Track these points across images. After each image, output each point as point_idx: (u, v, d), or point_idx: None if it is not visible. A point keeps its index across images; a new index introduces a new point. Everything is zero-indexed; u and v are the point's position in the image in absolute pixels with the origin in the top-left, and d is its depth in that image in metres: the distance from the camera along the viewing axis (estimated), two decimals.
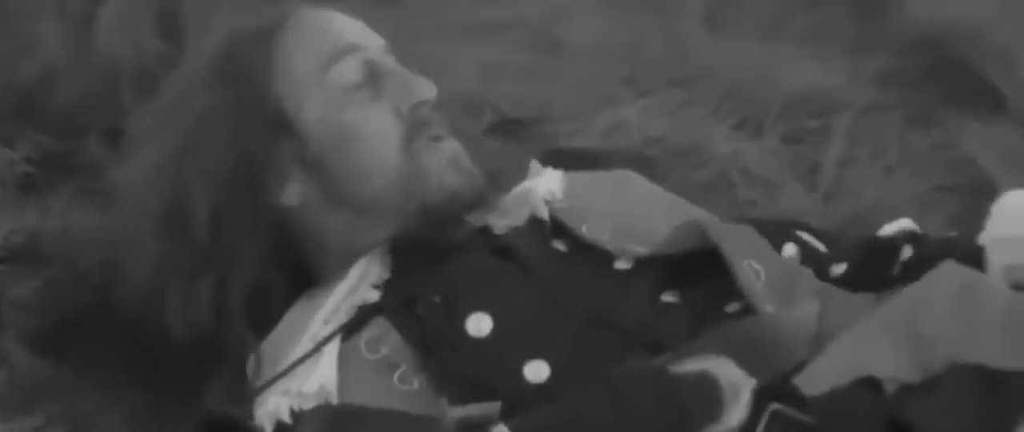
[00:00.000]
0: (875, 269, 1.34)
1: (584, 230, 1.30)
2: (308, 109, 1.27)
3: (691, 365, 1.12)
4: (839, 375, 1.10)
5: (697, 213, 1.37)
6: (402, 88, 1.29)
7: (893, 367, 1.10)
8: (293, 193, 1.28)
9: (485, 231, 1.29)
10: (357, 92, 1.28)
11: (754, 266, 1.23)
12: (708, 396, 1.10)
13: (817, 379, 1.09)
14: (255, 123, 1.26)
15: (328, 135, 1.27)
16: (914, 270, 1.28)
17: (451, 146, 1.30)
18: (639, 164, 1.62)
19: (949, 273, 1.19)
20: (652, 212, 1.34)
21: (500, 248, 1.28)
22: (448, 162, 1.28)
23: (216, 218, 1.25)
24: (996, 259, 1.30)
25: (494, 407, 1.11)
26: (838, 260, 1.37)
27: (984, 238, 1.34)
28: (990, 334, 1.14)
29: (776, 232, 1.37)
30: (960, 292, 1.16)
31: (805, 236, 1.40)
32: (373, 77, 1.29)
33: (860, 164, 1.98)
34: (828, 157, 1.98)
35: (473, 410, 1.10)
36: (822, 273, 1.34)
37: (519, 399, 1.15)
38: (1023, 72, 2.24)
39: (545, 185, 1.36)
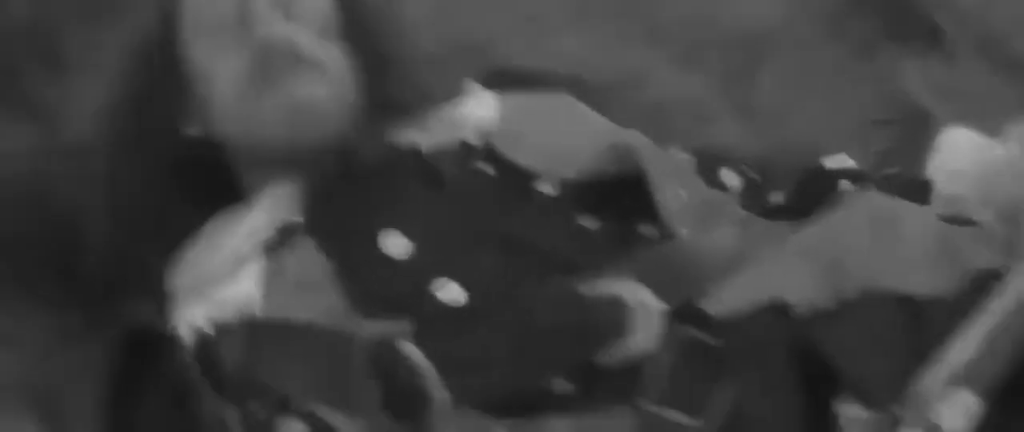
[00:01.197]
0: (813, 199, 1.35)
1: (514, 154, 1.31)
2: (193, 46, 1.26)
3: (602, 287, 1.13)
4: (748, 298, 1.12)
5: (632, 138, 1.37)
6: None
7: (805, 291, 1.12)
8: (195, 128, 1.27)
9: (411, 150, 1.29)
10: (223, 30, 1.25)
11: (677, 191, 1.24)
12: (616, 317, 1.12)
13: (726, 301, 1.11)
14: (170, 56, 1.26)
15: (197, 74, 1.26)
16: None
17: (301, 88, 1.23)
18: (578, 90, 1.63)
19: (870, 200, 1.21)
20: (586, 137, 1.34)
21: (424, 169, 1.28)
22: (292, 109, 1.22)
23: (139, 140, 1.25)
24: (942, 191, 1.33)
25: (403, 326, 1.12)
26: (777, 188, 1.39)
27: (931, 171, 1.36)
28: (910, 262, 1.16)
29: (712, 160, 1.39)
30: (880, 218, 1.18)
31: (743, 166, 1.42)
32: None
33: (795, 97, 2.00)
34: (763, 90, 2.00)
35: (383, 327, 1.12)
36: (760, 200, 1.37)
37: (434, 321, 1.16)
38: (961, 7, 2.25)
39: (479, 109, 1.36)
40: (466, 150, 1.32)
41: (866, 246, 1.16)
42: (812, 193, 1.35)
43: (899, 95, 2.09)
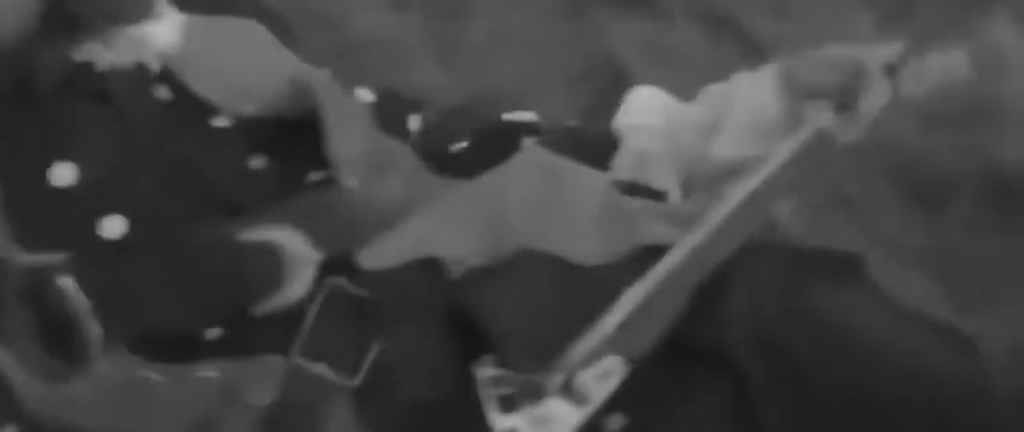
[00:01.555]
0: (494, 151, 1.33)
1: (193, 83, 1.23)
2: None
3: (258, 234, 1.10)
4: (403, 253, 1.10)
5: (314, 77, 1.31)
6: None
7: (460, 248, 1.10)
8: None
9: (86, 67, 1.21)
10: None
11: (351, 138, 1.21)
12: (270, 266, 1.08)
13: (380, 255, 1.09)
14: None
15: None
16: None
17: None
18: (273, 22, 1.58)
19: (538, 160, 1.20)
20: (270, 72, 1.28)
21: (98, 90, 1.20)
22: None
23: None
24: (628, 146, 1.32)
25: (57, 258, 1.06)
26: (459, 138, 1.36)
27: (617, 125, 1.35)
28: (574, 227, 1.15)
29: (401, 103, 1.35)
30: (547, 180, 1.17)
31: (427, 112, 1.39)
32: None
33: (501, 48, 1.99)
34: (468, 37, 1.99)
35: (38, 259, 1.06)
36: (441, 149, 1.34)
37: (95, 253, 1.11)
38: None
39: (164, 31, 1.28)
40: (143, 73, 1.24)
41: (529, 207, 1.15)
42: (491, 146, 1.33)
43: (605, 53, 2.10)
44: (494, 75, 1.94)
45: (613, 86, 1.91)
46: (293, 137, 1.22)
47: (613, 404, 1.07)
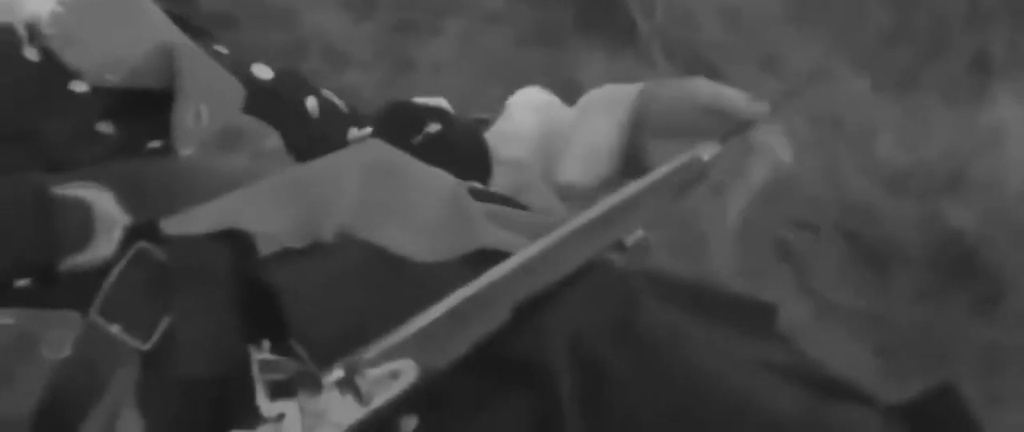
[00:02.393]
0: (396, 134, 1.31)
1: (60, 49, 1.24)
2: None
3: (71, 190, 1.09)
4: (210, 222, 1.08)
5: (186, 48, 1.29)
6: None
7: (275, 226, 1.08)
8: None
9: None
10: None
11: (199, 109, 1.19)
12: (79, 223, 1.08)
13: (185, 221, 1.07)
14: None
15: None
16: (436, 145, 1.27)
17: None
18: (220, 21, 1.58)
19: (373, 148, 1.18)
20: (139, 41, 1.25)
21: None
22: None
23: None
24: (500, 154, 1.31)
25: None
26: (362, 125, 1.35)
27: (490, 134, 1.35)
28: (404, 219, 1.13)
29: (299, 86, 1.34)
30: (377, 168, 1.15)
31: (328, 94, 1.38)
32: None
33: (456, 68, 1.98)
34: (427, 54, 1.98)
35: None
36: (341, 133, 1.32)
37: None
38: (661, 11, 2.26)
39: (35, 5, 1.29)
40: (9, 34, 1.23)
41: (360, 198, 1.13)
42: (396, 128, 1.31)
43: (571, 85, 2.08)
44: (444, 93, 1.92)
45: None
46: (148, 106, 1.21)
47: (407, 406, 1.04)
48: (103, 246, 1.07)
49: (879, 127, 2.12)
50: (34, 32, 1.24)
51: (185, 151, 1.16)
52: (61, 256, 1.07)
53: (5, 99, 1.19)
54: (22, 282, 1.09)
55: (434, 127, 1.35)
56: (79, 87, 1.22)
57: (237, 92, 1.27)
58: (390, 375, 1.02)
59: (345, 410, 1.01)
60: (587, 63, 2.12)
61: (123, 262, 1.07)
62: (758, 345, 1.18)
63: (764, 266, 1.84)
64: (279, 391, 1.00)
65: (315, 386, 1.01)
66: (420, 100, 1.42)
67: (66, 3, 1.28)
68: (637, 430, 1.07)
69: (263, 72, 1.34)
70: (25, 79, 1.21)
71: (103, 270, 1.08)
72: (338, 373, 1.01)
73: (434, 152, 1.26)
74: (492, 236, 1.16)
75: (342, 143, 1.32)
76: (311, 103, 1.35)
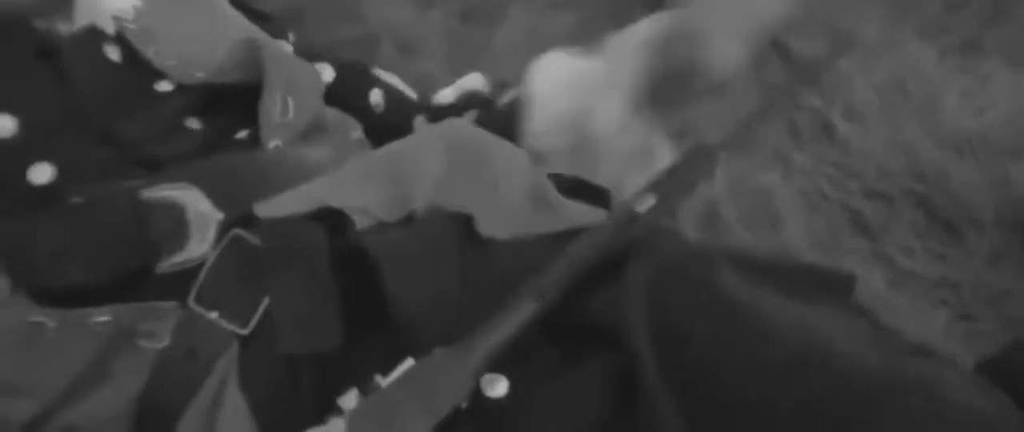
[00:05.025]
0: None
1: (144, 48, 1.26)
2: None
3: (162, 192, 1.11)
4: (303, 204, 1.10)
5: (268, 42, 1.32)
6: None
7: (363, 201, 1.10)
8: None
9: (24, 24, 1.24)
10: None
11: (288, 100, 1.21)
12: (174, 226, 1.09)
13: (278, 206, 1.09)
14: None
15: None
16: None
17: None
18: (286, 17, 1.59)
19: (455, 127, 1.19)
20: (221, 38, 1.29)
21: (44, 46, 1.23)
22: None
23: None
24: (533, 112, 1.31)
25: None
26: (431, 113, 1.37)
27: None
28: (489, 197, 1.14)
29: (361, 81, 1.36)
30: (460, 146, 1.16)
31: (396, 83, 1.39)
32: None
33: (523, 52, 1.99)
34: (490, 42, 1.99)
35: None
36: (407, 122, 1.34)
37: (20, 201, 1.13)
38: None
39: (119, 2, 1.32)
40: (95, 34, 1.26)
41: (447, 172, 1.14)
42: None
43: None
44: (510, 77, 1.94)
45: None
46: (231, 99, 1.23)
47: (495, 368, 1.05)
48: (198, 245, 1.09)
49: (945, 93, 2.11)
50: (118, 30, 1.26)
51: (272, 143, 1.18)
52: (158, 260, 1.10)
53: (92, 101, 1.21)
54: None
55: (472, 114, 1.36)
56: (164, 87, 1.25)
57: (319, 85, 1.29)
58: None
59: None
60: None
61: (218, 249, 1.09)
62: (836, 314, 1.19)
63: (837, 237, 1.84)
64: None
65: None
66: (465, 82, 1.44)
67: (148, 1, 1.30)
68: (716, 388, 1.08)
69: (325, 72, 1.36)
70: (110, 81, 1.24)
71: (199, 263, 1.10)
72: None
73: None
74: (573, 211, 1.17)
75: (408, 131, 1.34)
76: (375, 96, 1.37)
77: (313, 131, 1.23)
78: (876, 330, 1.20)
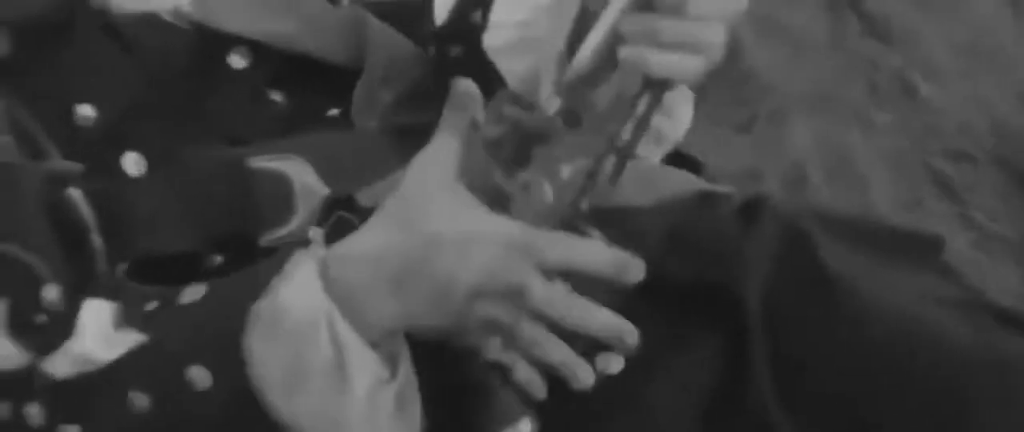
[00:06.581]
0: None
1: (215, 20, 1.18)
2: None
3: (270, 162, 1.10)
4: None
5: (371, 20, 1.27)
6: None
7: None
8: None
9: (100, 11, 1.17)
10: None
11: (379, 81, 1.19)
12: (280, 196, 1.08)
13: (382, 194, 1.06)
14: None
15: None
16: None
17: None
18: None
19: None
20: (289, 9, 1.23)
21: (113, 29, 1.17)
22: None
23: None
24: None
25: (71, 166, 1.07)
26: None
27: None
28: None
29: None
30: None
31: None
32: None
33: None
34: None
35: (53, 166, 1.06)
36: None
37: (115, 186, 1.10)
38: None
39: None
40: (155, 18, 1.19)
41: None
42: None
43: None
44: None
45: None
46: (315, 74, 1.20)
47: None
48: (304, 219, 1.08)
49: (1021, 52, 2.10)
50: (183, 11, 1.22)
51: (367, 123, 1.17)
52: (262, 231, 1.08)
53: (167, 78, 1.16)
54: (217, 260, 1.09)
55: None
56: (237, 62, 1.20)
57: (419, 64, 1.26)
58: None
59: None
60: None
61: (324, 231, 1.08)
62: (925, 278, 1.20)
63: (922, 198, 1.83)
64: None
65: None
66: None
67: None
68: (817, 366, 1.10)
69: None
70: (184, 58, 1.18)
71: (298, 242, 1.07)
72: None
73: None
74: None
75: None
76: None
77: (410, 110, 1.21)
78: (966, 293, 1.21)
